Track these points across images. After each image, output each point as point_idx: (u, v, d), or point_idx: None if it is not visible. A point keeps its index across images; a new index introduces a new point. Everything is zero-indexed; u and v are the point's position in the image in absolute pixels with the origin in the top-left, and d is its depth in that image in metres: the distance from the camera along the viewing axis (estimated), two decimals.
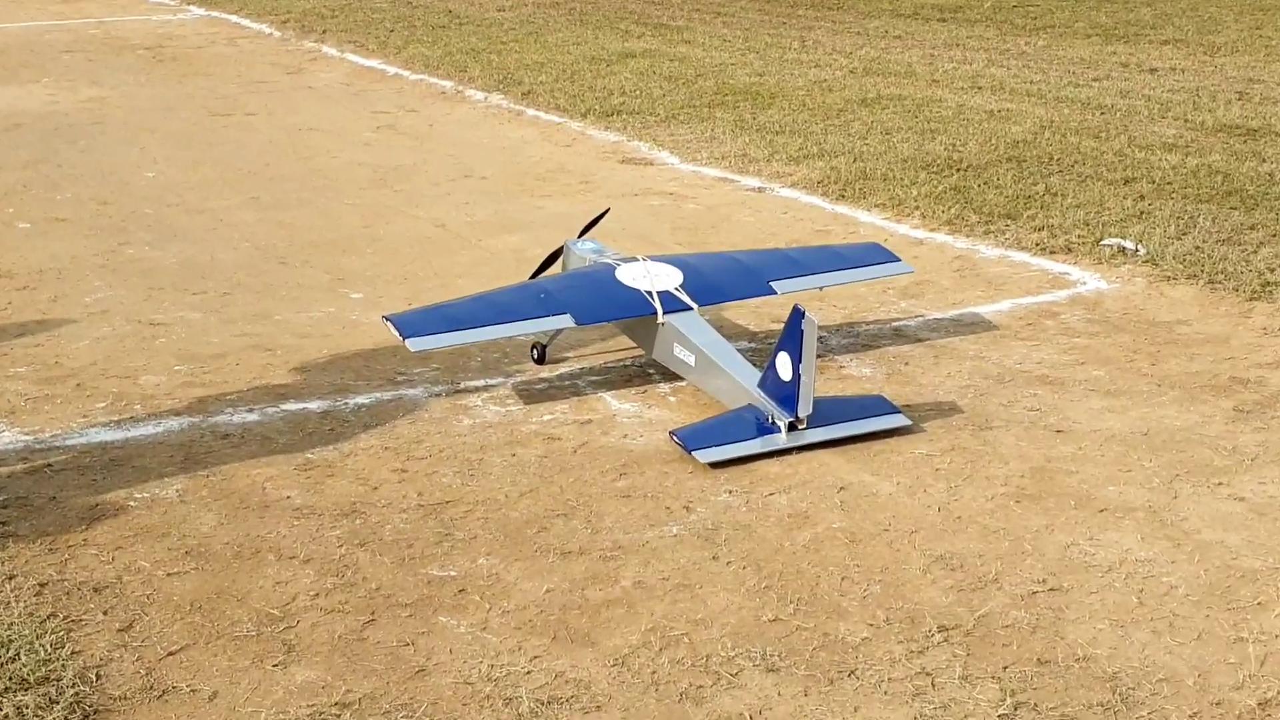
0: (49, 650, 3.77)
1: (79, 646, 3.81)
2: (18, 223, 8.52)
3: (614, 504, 4.75)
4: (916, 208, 8.60)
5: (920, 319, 6.74)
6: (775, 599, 4.11)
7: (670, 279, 5.90)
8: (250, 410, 5.60)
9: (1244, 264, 7.26)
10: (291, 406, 5.64)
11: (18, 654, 3.72)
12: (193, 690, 3.64)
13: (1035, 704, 3.58)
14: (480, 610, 4.05)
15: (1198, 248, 7.54)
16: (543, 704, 3.59)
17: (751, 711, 3.56)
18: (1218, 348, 6.29)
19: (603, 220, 6.69)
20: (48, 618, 3.94)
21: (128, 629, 3.93)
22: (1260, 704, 3.57)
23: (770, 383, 5.20)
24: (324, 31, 16.83)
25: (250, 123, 11.78)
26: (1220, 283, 7.00)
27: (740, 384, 5.34)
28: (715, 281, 5.98)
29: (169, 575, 4.24)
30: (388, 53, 15.26)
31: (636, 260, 6.04)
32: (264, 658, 3.80)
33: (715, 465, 4.99)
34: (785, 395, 5.14)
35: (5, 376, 5.93)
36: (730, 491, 4.85)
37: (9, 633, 3.82)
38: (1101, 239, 7.71)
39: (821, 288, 6.35)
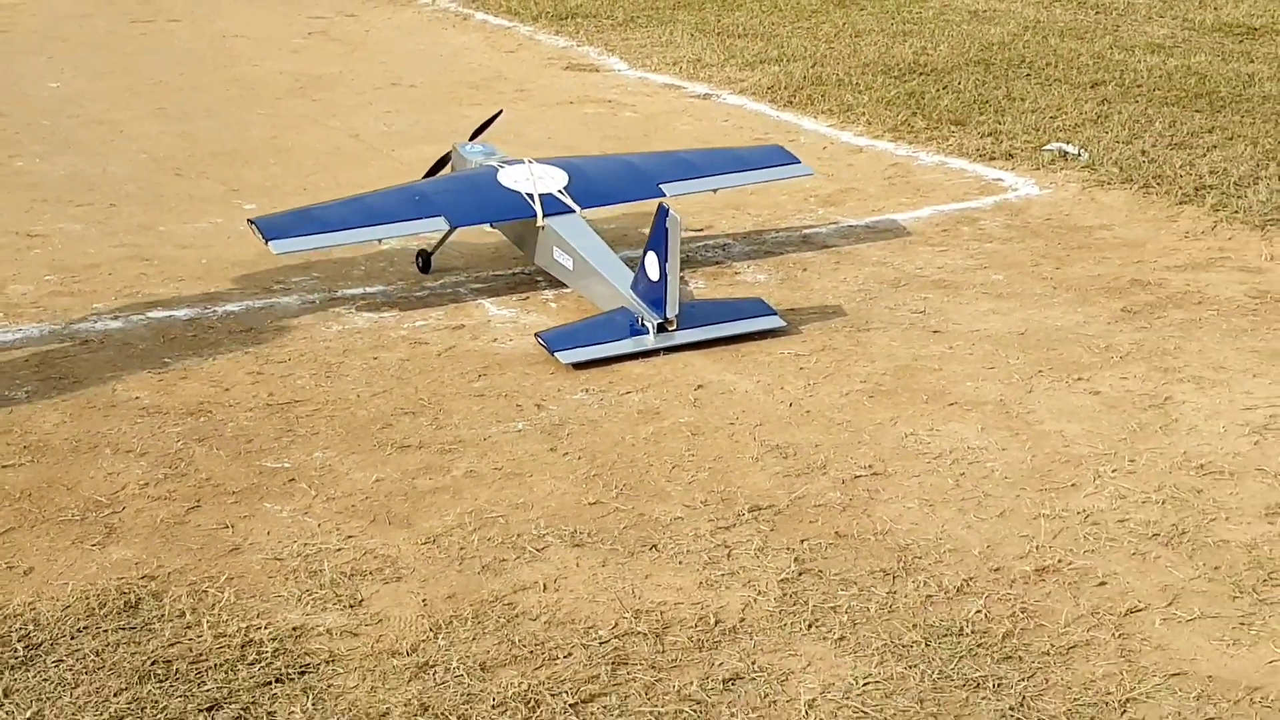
0: None
1: None
2: None
3: (465, 403, 5.40)
4: (863, 114, 9.20)
5: (834, 226, 7.36)
6: (601, 485, 4.76)
7: (554, 181, 6.48)
8: (115, 318, 6.26)
9: (1187, 168, 7.84)
10: (158, 314, 6.31)
11: None
12: (10, 567, 4.31)
13: (820, 570, 4.22)
14: (306, 497, 4.72)
15: (1144, 152, 8.12)
16: (345, 575, 4.25)
17: (546, 580, 4.21)
18: (1132, 251, 6.90)
19: (495, 123, 7.27)
20: None
21: None
22: (1037, 570, 4.21)
23: (641, 284, 5.81)
24: None
25: (172, 30, 12.45)
26: (1154, 187, 7.58)
27: (615, 287, 5.95)
28: (601, 184, 6.58)
29: (4, 468, 4.92)
30: None
31: (522, 163, 6.59)
32: (84, 539, 4.48)
33: (578, 366, 5.64)
34: (655, 297, 5.75)
35: None
36: (587, 390, 5.50)
37: None
38: (1044, 145, 8.29)
39: (715, 190, 6.93)
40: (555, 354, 5.72)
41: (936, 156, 8.41)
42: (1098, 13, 12.06)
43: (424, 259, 6.81)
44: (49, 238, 7.25)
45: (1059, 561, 4.26)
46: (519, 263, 6.78)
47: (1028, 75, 9.90)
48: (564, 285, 6.39)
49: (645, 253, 5.78)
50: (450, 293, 6.50)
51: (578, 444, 5.04)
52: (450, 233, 6.61)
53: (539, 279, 6.61)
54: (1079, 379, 5.50)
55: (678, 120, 9.35)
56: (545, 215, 6.35)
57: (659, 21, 12.14)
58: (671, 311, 5.74)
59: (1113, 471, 4.79)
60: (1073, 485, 4.70)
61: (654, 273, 5.71)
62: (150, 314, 6.29)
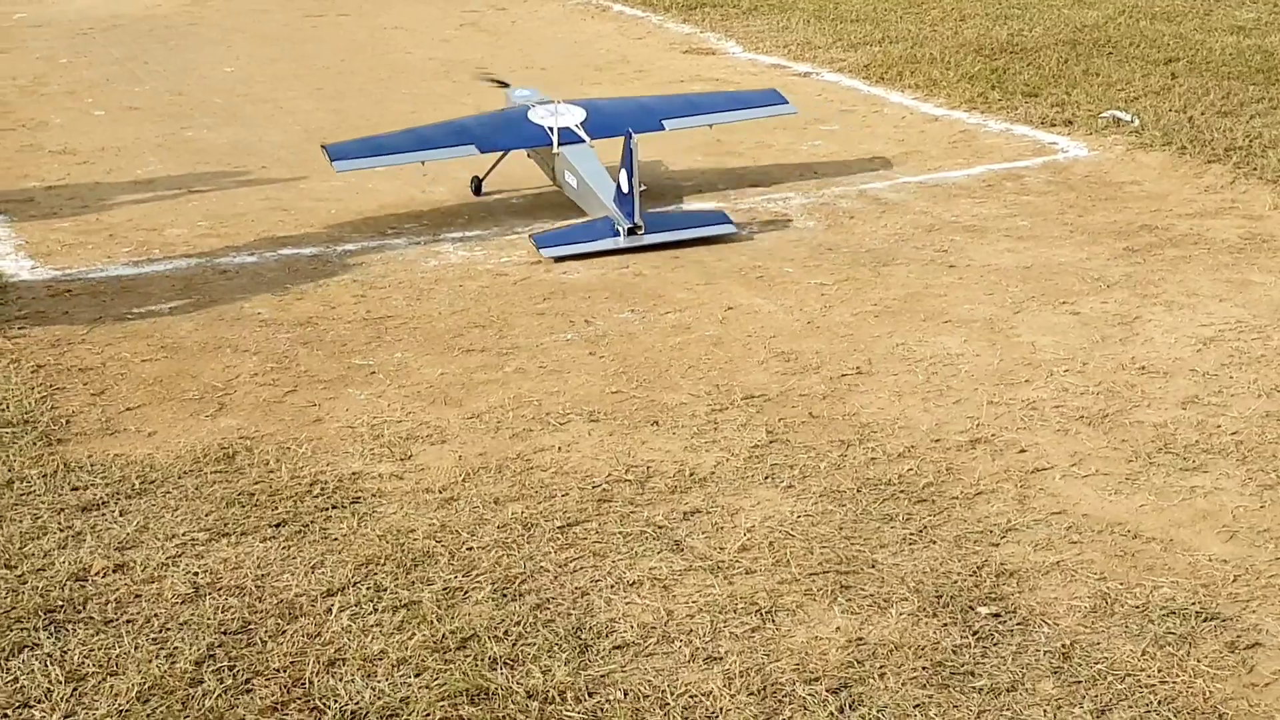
0: (33, 405, 5.47)
1: (57, 404, 5.50)
2: (94, 110, 10.37)
3: (527, 319, 6.30)
4: (945, 88, 9.91)
5: (890, 182, 8.12)
6: (624, 380, 5.62)
7: (574, 117, 7.69)
8: (251, 254, 7.28)
9: (1226, 133, 8.45)
10: (287, 252, 7.31)
11: (7, 406, 5.43)
12: (137, 430, 5.30)
13: (788, 440, 5.03)
14: (382, 385, 5.64)
15: (1190, 119, 8.73)
16: (401, 439, 5.16)
17: (561, 445, 5.08)
18: (1151, 202, 7.56)
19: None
20: (38, 385, 5.65)
21: (100, 394, 5.62)
22: (971, 442, 4.97)
23: (617, 196, 6.97)
24: None
25: (340, 23, 13.55)
26: (1189, 149, 8.21)
27: (602, 201, 7.16)
28: (613, 119, 7.73)
29: (143, 361, 5.92)
30: None
31: (552, 102, 7.75)
32: (200, 412, 5.45)
33: (558, 260, 6.85)
34: (626, 209, 7.00)
35: (50, 229, 7.70)
36: (633, 310, 6.36)
37: (2, 393, 5.55)
38: (1101, 113, 8.95)
39: (711, 125, 8.30)
40: (540, 250, 6.99)
41: (1003, 124, 9.10)
42: None
43: (476, 183, 8.11)
44: (206, 193, 8.30)
45: (992, 435, 5.01)
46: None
47: (1109, 54, 10.51)
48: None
49: (618, 171, 6.99)
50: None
51: (614, 349, 5.90)
52: (497, 162, 7.91)
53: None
54: (1064, 303, 6.21)
55: None
56: (560, 145, 7.56)
57: (779, 9, 12.94)
58: (638, 218, 6.93)
59: (1064, 371, 5.52)
60: (1026, 381, 5.44)
61: (625, 187, 6.94)
62: (281, 251, 7.29)
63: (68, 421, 5.31)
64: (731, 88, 10.41)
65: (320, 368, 5.79)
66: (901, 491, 4.61)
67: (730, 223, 7.21)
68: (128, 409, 5.45)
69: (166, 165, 8.87)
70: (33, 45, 12.59)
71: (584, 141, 7.56)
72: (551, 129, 7.61)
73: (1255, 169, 7.78)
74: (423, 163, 7.70)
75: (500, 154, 7.86)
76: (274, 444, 5.11)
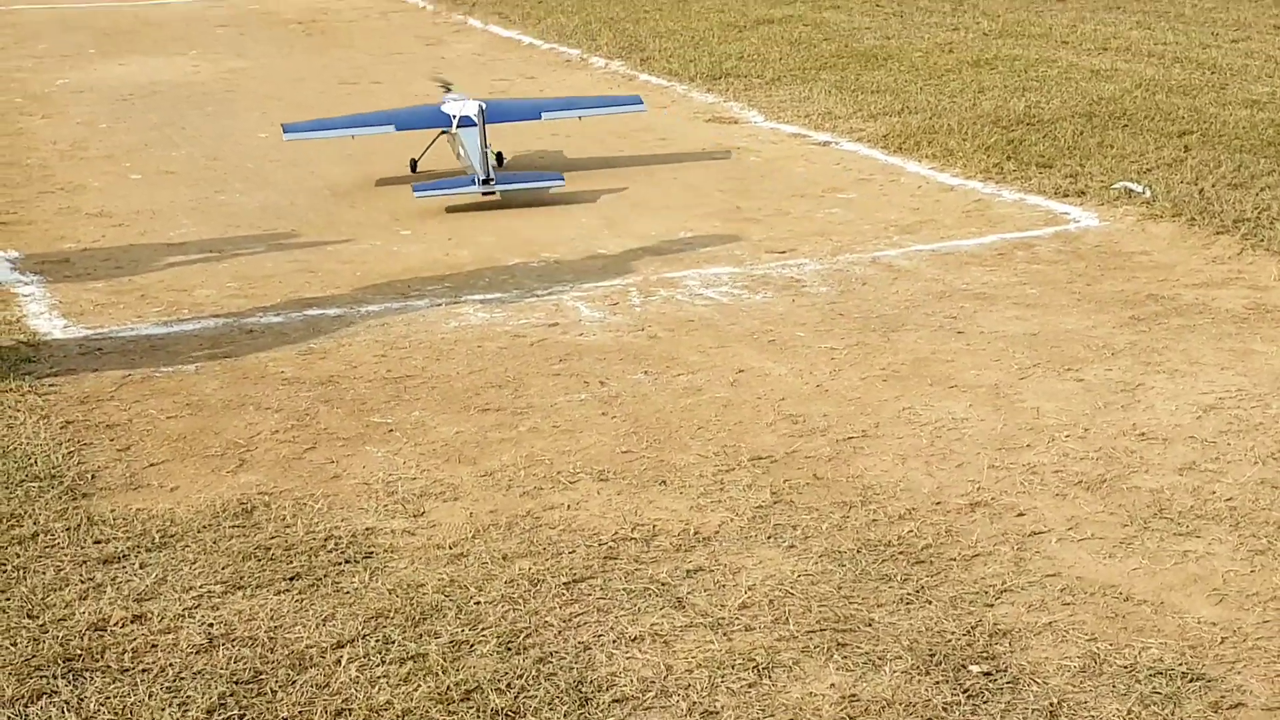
0: (61, 459, 5.59)
1: (84, 459, 5.62)
2: (131, 174, 10.56)
3: (542, 380, 6.40)
4: (962, 158, 10.02)
5: (902, 250, 8.21)
6: (635, 440, 5.71)
7: (473, 108, 9.51)
8: (277, 315, 7.41)
9: (1235, 205, 8.52)
10: (313, 312, 7.43)
11: (35, 460, 5.55)
12: (160, 485, 5.41)
13: (792, 501, 5.11)
14: (399, 443, 5.74)
15: (1201, 191, 8.82)
16: (415, 495, 5.26)
17: (570, 503, 5.17)
18: (1160, 272, 7.63)
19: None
20: (66, 441, 5.77)
21: (125, 450, 5.73)
22: (971, 505, 5.04)
23: (480, 162, 9.18)
24: (474, 4, 18.84)
25: (373, 90, 13.74)
26: (1199, 220, 8.29)
27: (473, 164, 9.25)
28: (503, 111, 10.11)
29: (168, 418, 6.04)
30: (528, 23, 17.16)
31: (461, 99, 9.92)
32: (221, 468, 5.56)
33: (420, 197, 9.14)
34: (482, 165, 9.16)
35: (84, 288, 7.85)
36: (646, 372, 6.46)
37: (32, 448, 5.66)
38: (1113, 184, 9.04)
39: (580, 117, 10.65)
40: (415, 193, 9.20)
41: (1017, 194, 9.19)
42: (1212, 72, 12.68)
43: (413, 164, 10.20)
44: (237, 255, 8.44)
45: (992, 499, 5.08)
46: (617, 274, 7.78)
47: (1124, 126, 10.61)
48: (653, 293, 7.38)
49: (477, 138, 9.19)
50: (554, 300, 7.51)
51: (626, 410, 5.99)
52: (430, 145, 10.07)
53: (631, 288, 7.57)
54: (1069, 370, 6.29)
55: (794, 164, 10.27)
56: (456, 127, 9.57)
57: (802, 80, 13.08)
58: (487, 174, 9.18)
59: (1066, 436, 5.59)
60: (1028, 446, 5.51)
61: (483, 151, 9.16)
62: (306, 312, 7.41)
63: (93, 476, 5.42)
64: (752, 156, 10.54)
65: (340, 425, 5.89)
66: (901, 553, 4.68)
67: (560, 179, 9.47)
68: (151, 464, 5.56)
69: (199, 228, 9.02)
70: (74, 110, 12.82)
71: (475, 125, 9.35)
72: (453, 115, 9.65)
73: (1263, 240, 7.85)
74: (353, 136, 10.12)
75: (437, 132, 9.97)
76: (291, 500, 5.21)
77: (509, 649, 4.17)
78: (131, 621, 4.35)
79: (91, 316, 7.35)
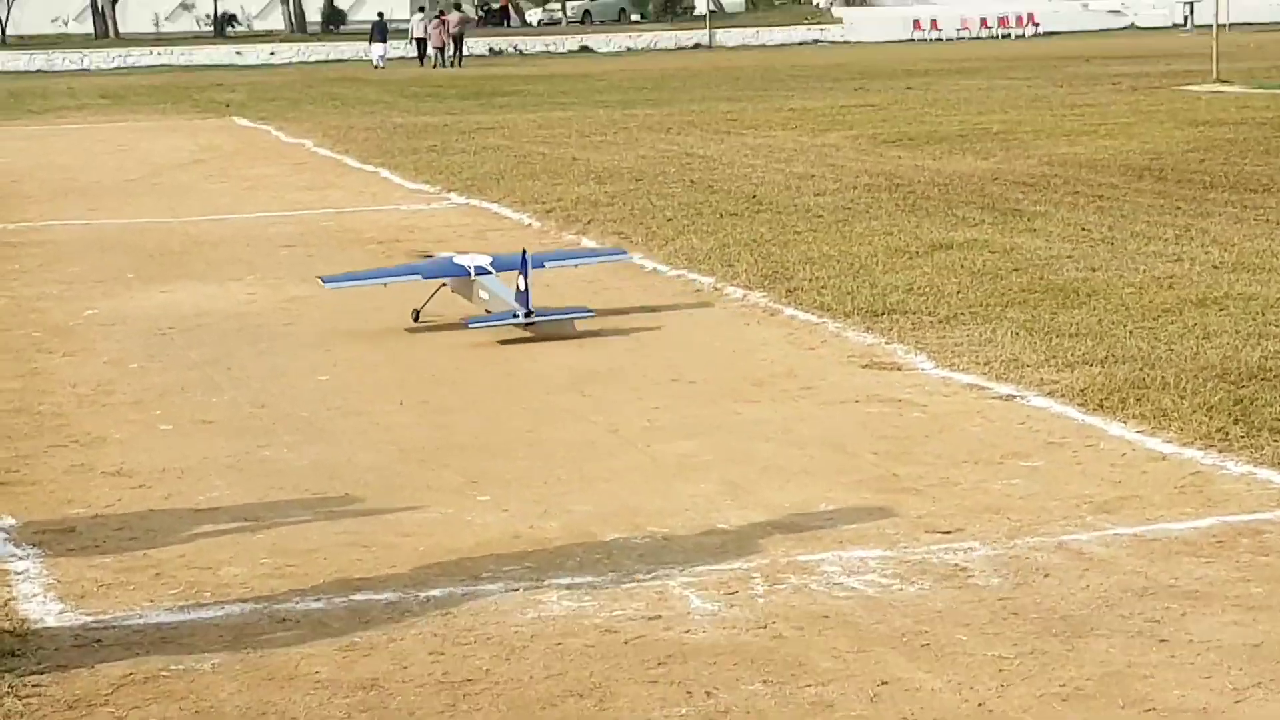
0: None
1: None
2: (161, 424, 10.79)
3: (635, 689, 6.34)
4: (1177, 420, 9.93)
5: (1097, 533, 8.10)
6: None
7: (483, 260, 13.78)
8: (317, 599, 7.45)
9: None
10: (360, 597, 7.47)
11: None
12: None
13: None
14: None
15: None
16: None
17: None
18: None
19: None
20: None
21: None
22: None
23: (516, 296, 13.14)
24: (589, 221, 19.26)
25: (458, 326, 13.99)
26: None
27: (505, 300, 13.20)
28: (505, 262, 13.65)
29: None
30: (652, 245, 17.47)
31: (470, 255, 14.20)
32: None
33: (474, 328, 12.73)
34: (523, 300, 13.07)
35: (89, 564, 7.97)
36: (764, 682, 6.39)
37: None
38: None
39: (577, 265, 15.38)
40: (469, 325, 13.17)
41: (1245, 467, 9.06)
42: None
43: (415, 314, 13.88)
44: (276, 524, 8.54)
45: None
46: (737, 555, 7.75)
47: None
48: (780, 579, 7.36)
49: (517, 278, 13.10)
50: (658, 586, 7.48)
51: None
52: (435, 292, 13.87)
53: (754, 574, 7.53)
54: None
55: (968, 421, 10.24)
56: (476, 274, 13.54)
57: (984, 319, 13.11)
58: (531, 306, 13.13)
59: None
60: None
61: (521, 287, 13.14)
62: (352, 596, 7.45)
63: None
64: (917, 411, 10.53)
65: None
66: None
67: (590, 312, 13.71)
68: None
69: (234, 490, 9.15)
70: (101, 347, 13.20)
71: (490, 273, 13.53)
72: (467, 266, 13.70)
73: None
74: (384, 284, 14.18)
75: (438, 285, 13.89)
76: None
77: None
78: None
79: (94, 599, 7.45)
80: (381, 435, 10.32)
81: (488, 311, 13.29)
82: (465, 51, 75.83)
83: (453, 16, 78.27)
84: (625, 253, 16.30)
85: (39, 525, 8.54)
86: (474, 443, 10.09)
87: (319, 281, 14.36)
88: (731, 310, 14.24)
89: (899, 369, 11.78)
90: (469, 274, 13.59)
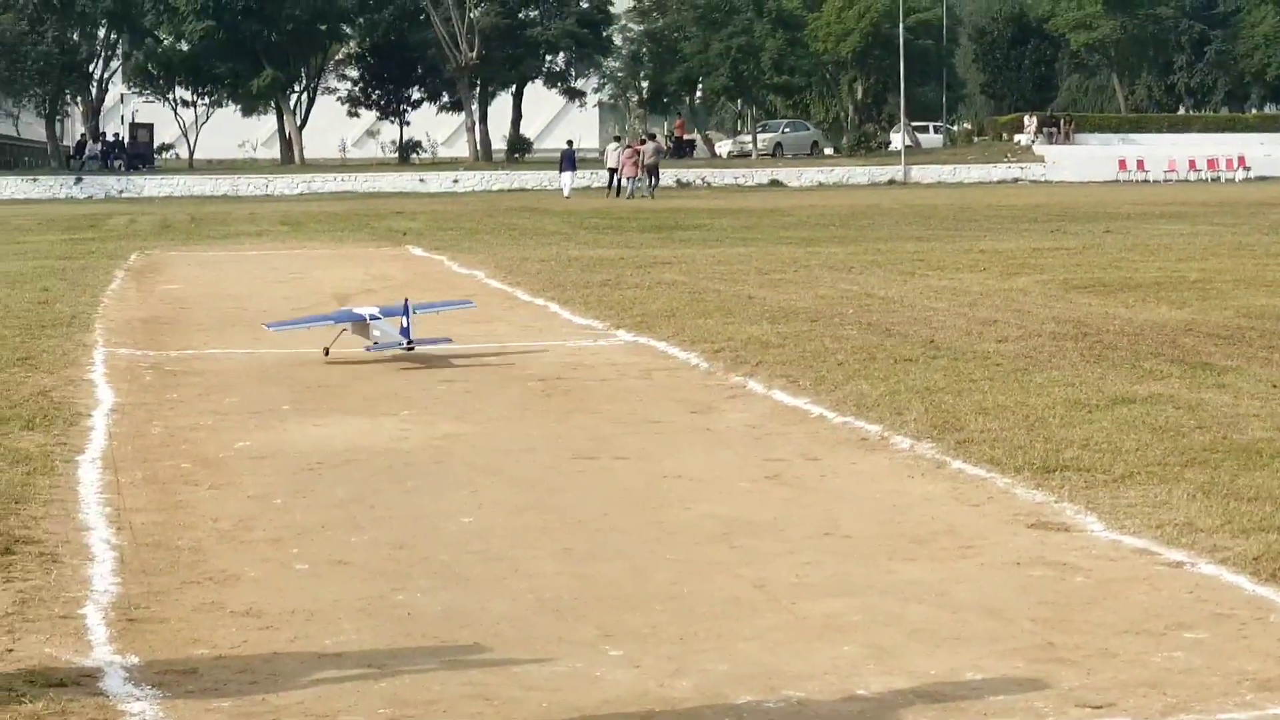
0: None
1: None
2: (297, 563, 10.89)
3: None
4: None
5: (1256, 713, 7.90)
6: None
7: (375, 309, 20.10)
8: None
9: None
10: None
11: None
12: None
13: None
14: None
15: None
16: None
17: None
18: None
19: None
20: None
21: None
22: None
23: (401, 330, 19.53)
24: (758, 363, 19.25)
25: (613, 468, 14.04)
26: None
27: (393, 335, 19.41)
28: (393, 310, 19.68)
29: None
30: (820, 390, 17.42)
31: (365, 306, 20.54)
32: None
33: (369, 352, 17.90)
34: (405, 334, 19.34)
35: (205, 708, 8.03)
36: None
37: None
38: None
39: (438, 312, 22.13)
40: (367, 351, 19.61)
41: None
42: None
43: (326, 350, 19.72)
44: (399, 673, 8.56)
45: None
46: None
47: None
48: None
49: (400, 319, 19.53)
50: None
51: None
52: (337, 336, 20.07)
53: None
54: None
55: (1134, 589, 10.05)
56: (370, 319, 19.67)
57: (1160, 479, 12.88)
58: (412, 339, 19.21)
59: None
60: None
61: (405, 324, 19.48)
62: None
63: None
64: (1080, 576, 10.36)
65: None
66: None
67: (449, 340, 20.23)
68: None
69: (362, 635, 9.20)
70: (248, 481, 13.37)
71: (380, 318, 19.58)
72: (365, 314, 19.91)
73: None
74: (308, 327, 20.39)
75: (343, 328, 19.99)
76: None
77: None
78: None
79: None
80: (520, 583, 10.33)
81: (375, 344, 19.61)
82: (651, 183, 76.57)
83: (647, 147, 79.21)
84: (472, 302, 24.61)
85: (161, 665, 8.62)
86: (613, 594, 10.06)
87: (264, 326, 21.86)
88: (896, 461, 14.13)
89: (1066, 530, 11.61)
90: (366, 319, 19.89)
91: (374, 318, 19.76)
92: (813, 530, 11.67)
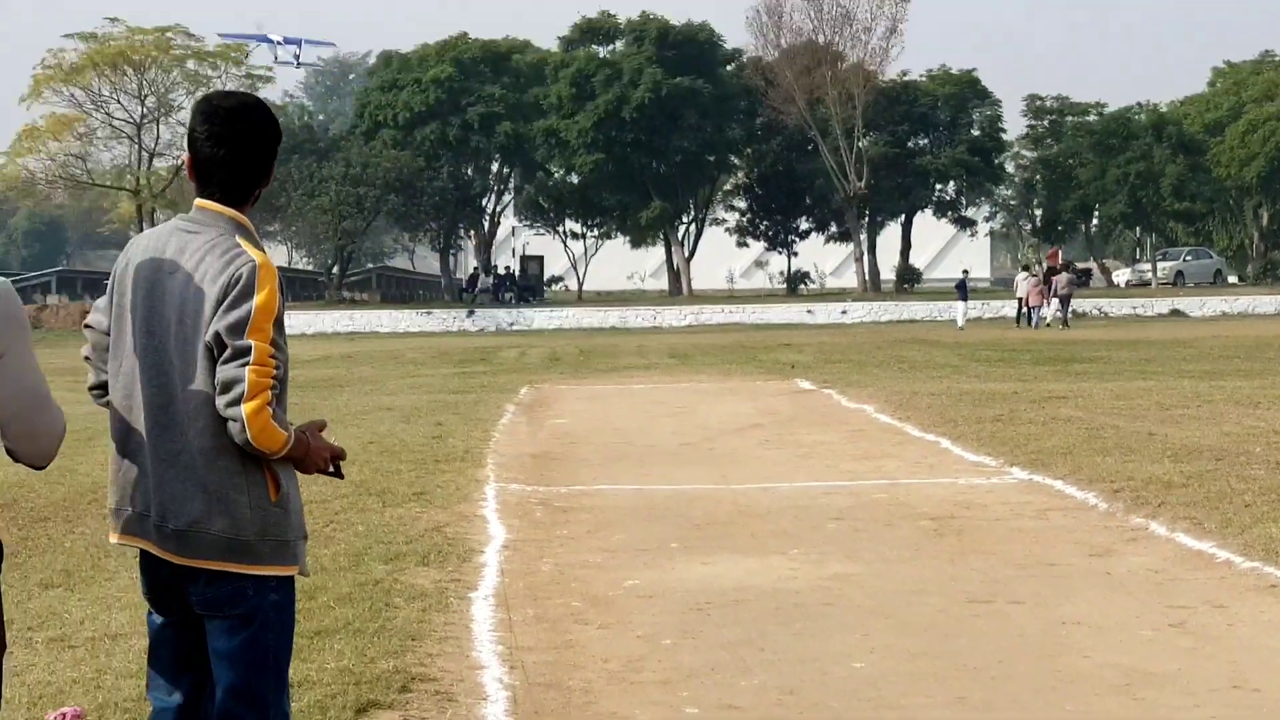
0: None
1: None
2: (686, 707, 10.98)
3: None
4: None
5: None
6: None
7: None
8: None
9: None
10: None
11: None
12: None
13: None
14: None
15: None
16: None
17: None
18: None
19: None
20: None
21: None
22: None
23: None
24: (1160, 504, 18.85)
25: (1008, 613, 13.87)
26: None
27: None
28: None
29: None
30: (1227, 533, 16.98)
31: None
32: None
33: None
34: None
35: None
36: None
37: None
38: None
39: None
40: None
41: None
42: None
43: None
44: None
45: None
46: None
47: None
48: None
49: None
50: None
51: None
52: None
53: None
54: None
55: None
56: None
57: None
58: None
59: None
60: None
61: None
62: None
63: None
64: None
65: None
66: None
67: None
68: None
69: None
70: (637, 620, 13.52)
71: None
72: None
73: None
74: None
75: None
76: None
77: None
78: None
79: None
80: None
81: None
82: (1064, 313, 76.41)
83: (1061, 278, 79.15)
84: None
85: None
86: None
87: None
88: None
89: None
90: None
91: None
92: (1219, 683, 11.37)
